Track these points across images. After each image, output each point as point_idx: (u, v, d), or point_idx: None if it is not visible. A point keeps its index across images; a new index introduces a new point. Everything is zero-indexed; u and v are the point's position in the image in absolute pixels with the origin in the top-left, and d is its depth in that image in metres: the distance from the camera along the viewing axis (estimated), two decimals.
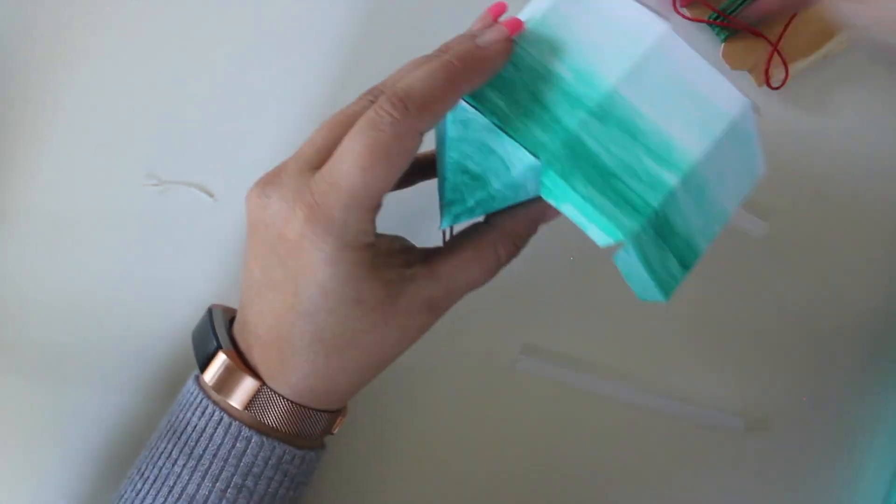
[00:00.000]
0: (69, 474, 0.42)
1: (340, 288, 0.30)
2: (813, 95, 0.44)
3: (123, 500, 0.34)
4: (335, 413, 0.35)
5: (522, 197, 0.32)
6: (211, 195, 0.44)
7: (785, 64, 0.43)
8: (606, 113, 0.29)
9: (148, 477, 0.34)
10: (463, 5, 0.43)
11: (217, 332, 0.34)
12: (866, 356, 0.45)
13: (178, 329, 0.43)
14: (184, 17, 0.45)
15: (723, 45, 0.43)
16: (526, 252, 0.44)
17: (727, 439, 0.44)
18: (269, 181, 0.31)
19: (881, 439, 0.44)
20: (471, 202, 0.32)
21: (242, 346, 0.34)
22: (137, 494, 0.33)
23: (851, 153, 0.44)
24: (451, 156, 0.32)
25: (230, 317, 0.36)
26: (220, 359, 0.33)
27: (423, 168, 0.36)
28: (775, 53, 0.43)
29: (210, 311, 0.36)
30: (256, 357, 0.33)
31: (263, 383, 0.33)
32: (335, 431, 0.36)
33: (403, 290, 0.32)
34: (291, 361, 0.32)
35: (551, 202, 0.30)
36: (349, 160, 0.28)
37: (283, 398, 0.33)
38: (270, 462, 0.33)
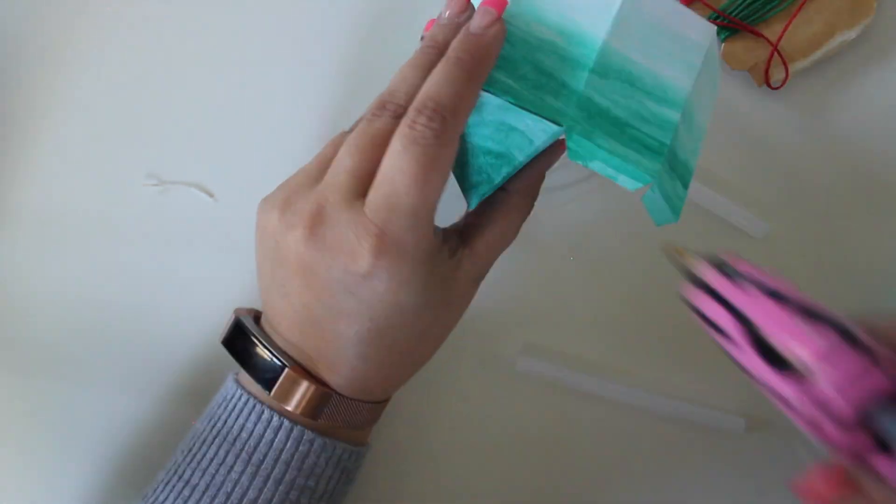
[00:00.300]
0: (69, 474, 0.42)
1: (415, 302, 0.31)
2: (813, 95, 0.44)
3: None
4: (384, 402, 0.36)
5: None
6: (211, 195, 0.44)
7: (785, 64, 0.43)
8: (605, 68, 0.31)
9: (197, 484, 0.33)
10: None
11: (270, 348, 0.33)
12: None
13: (179, 328, 0.43)
14: (184, 18, 0.45)
15: (723, 44, 0.43)
16: (526, 252, 0.44)
17: (727, 439, 0.44)
18: (317, 221, 0.30)
19: None
20: (497, 179, 0.33)
21: (292, 354, 0.33)
22: (185, 502, 0.33)
23: (851, 153, 0.44)
24: (472, 141, 0.33)
25: (253, 316, 0.36)
26: (286, 374, 0.33)
27: None
28: (775, 53, 0.42)
29: (240, 320, 0.35)
30: (322, 370, 0.33)
31: (332, 390, 0.33)
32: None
33: (456, 278, 0.33)
34: (365, 372, 0.33)
35: (579, 162, 0.31)
36: (403, 181, 0.29)
37: (350, 399, 0.33)
38: (331, 461, 0.34)
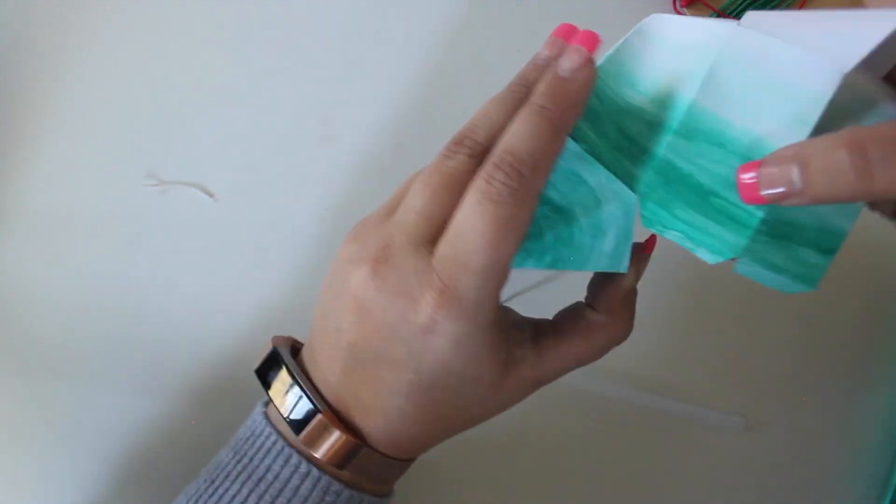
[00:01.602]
0: (69, 475, 0.42)
1: (464, 368, 0.29)
2: None
3: None
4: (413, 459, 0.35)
5: (595, 259, 0.31)
6: (211, 195, 0.44)
7: None
8: (691, 129, 0.28)
9: None
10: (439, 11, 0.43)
11: (307, 390, 0.32)
12: (866, 356, 0.45)
13: (179, 328, 0.43)
14: (184, 18, 0.45)
15: None
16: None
17: (727, 439, 0.44)
18: (380, 260, 0.29)
19: (880, 439, 0.44)
20: (549, 237, 0.30)
21: (327, 393, 0.32)
22: None
23: None
24: None
25: (291, 346, 0.35)
26: (318, 419, 0.32)
27: None
28: None
29: (278, 352, 0.34)
30: (356, 418, 0.32)
31: (362, 441, 0.32)
32: None
33: (514, 371, 0.31)
34: (399, 427, 0.32)
35: (654, 231, 0.29)
36: (475, 239, 0.27)
37: (380, 454, 0.32)
38: None
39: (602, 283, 0.33)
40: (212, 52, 0.44)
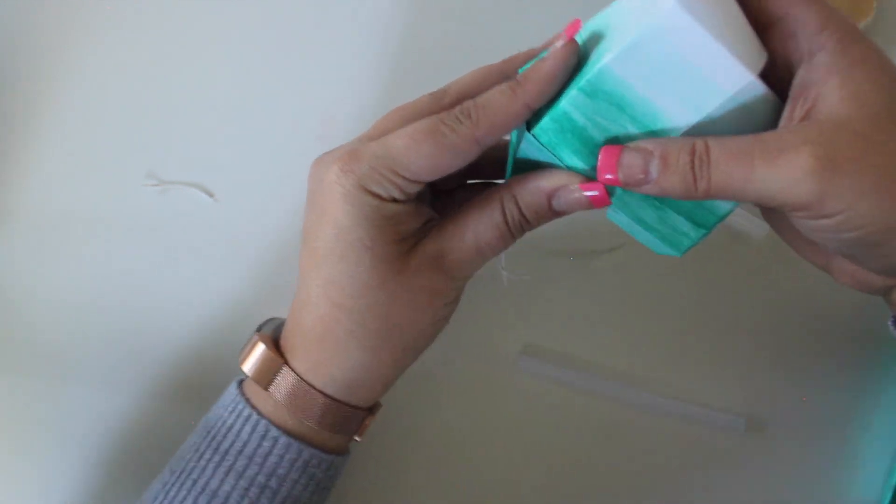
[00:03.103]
0: (67, 473, 0.42)
1: (353, 227, 0.31)
2: None
3: (151, 490, 0.34)
4: (363, 411, 0.35)
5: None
6: (211, 195, 0.44)
7: None
8: (596, 89, 0.30)
9: (175, 469, 0.34)
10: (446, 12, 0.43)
11: (263, 326, 0.36)
12: (866, 356, 0.45)
13: (178, 328, 0.43)
14: (184, 18, 0.45)
15: None
16: (526, 252, 0.44)
17: (727, 439, 0.44)
18: (326, 153, 0.33)
19: (880, 439, 0.44)
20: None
21: (284, 333, 0.35)
22: (164, 486, 0.34)
23: None
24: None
25: (278, 324, 0.37)
26: (259, 347, 0.34)
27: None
28: None
29: (268, 319, 0.37)
30: (292, 338, 0.34)
31: (291, 367, 0.33)
32: (360, 438, 0.36)
33: (414, 248, 0.32)
34: (308, 325, 0.33)
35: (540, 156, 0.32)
36: (403, 131, 0.31)
37: (310, 386, 0.33)
38: (296, 465, 0.33)
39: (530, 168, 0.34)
40: (212, 53, 0.44)
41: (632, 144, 0.30)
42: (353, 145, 0.32)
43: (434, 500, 0.44)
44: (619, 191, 0.31)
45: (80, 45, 0.44)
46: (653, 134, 0.30)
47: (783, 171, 0.27)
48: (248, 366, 0.34)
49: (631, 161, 0.29)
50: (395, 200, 0.31)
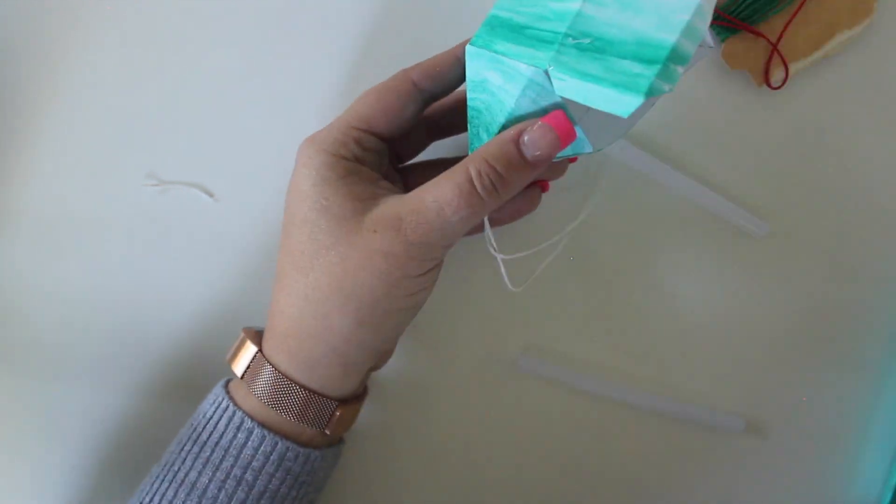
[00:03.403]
0: (64, 472, 0.42)
1: (310, 190, 0.32)
2: (813, 95, 0.44)
3: (144, 484, 0.35)
4: (333, 401, 0.34)
5: (496, 109, 0.34)
6: (211, 195, 0.44)
7: (785, 64, 0.43)
8: None
9: (164, 462, 0.35)
10: (457, 7, 0.43)
11: (244, 329, 0.37)
12: (866, 357, 0.45)
13: (178, 328, 0.43)
14: (184, 18, 0.44)
15: (723, 44, 0.43)
16: (526, 252, 0.44)
17: (727, 439, 0.44)
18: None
19: (880, 439, 0.44)
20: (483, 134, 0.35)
21: (266, 332, 0.35)
22: (153, 479, 0.34)
23: (851, 153, 0.44)
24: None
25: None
26: (240, 336, 0.36)
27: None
28: (775, 53, 0.42)
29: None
30: (267, 322, 0.35)
31: (260, 350, 0.34)
32: (330, 432, 0.35)
33: (371, 207, 0.31)
34: (289, 305, 0.33)
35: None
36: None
37: (277, 370, 0.33)
38: (272, 457, 0.33)
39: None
40: (212, 53, 0.44)
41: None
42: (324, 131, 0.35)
43: (433, 500, 0.44)
44: (554, 52, 0.31)
45: (81, 46, 0.44)
46: None
47: None
48: (230, 355, 0.36)
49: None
50: (353, 157, 0.33)
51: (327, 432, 0.35)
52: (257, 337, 0.36)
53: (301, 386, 0.33)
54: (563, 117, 0.31)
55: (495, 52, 0.32)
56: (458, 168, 0.31)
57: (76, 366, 0.43)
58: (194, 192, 0.44)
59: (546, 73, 0.31)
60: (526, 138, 0.31)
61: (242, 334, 0.36)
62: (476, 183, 0.31)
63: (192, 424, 0.35)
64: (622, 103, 0.30)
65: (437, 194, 0.31)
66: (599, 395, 0.44)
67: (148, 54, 0.44)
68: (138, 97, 0.44)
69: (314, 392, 0.33)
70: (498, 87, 0.33)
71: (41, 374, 0.43)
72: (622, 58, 0.30)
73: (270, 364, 0.33)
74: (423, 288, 0.33)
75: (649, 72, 0.30)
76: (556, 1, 0.32)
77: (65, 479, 0.42)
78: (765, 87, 0.43)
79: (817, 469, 0.44)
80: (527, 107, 0.32)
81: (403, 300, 0.32)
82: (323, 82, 0.44)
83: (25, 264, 0.43)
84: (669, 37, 0.30)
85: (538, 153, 0.31)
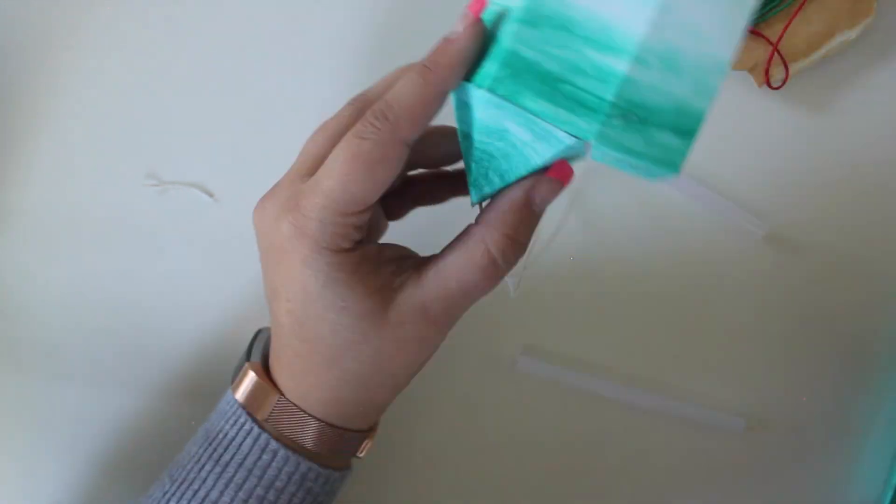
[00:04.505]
0: (68, 473, 0.42)
1: (322, 291, 0.30)
2: (813, 95, 0.44)
3: (152, 497, 0.34)
4: (361, 433, 0.35)
5: (518, 162, 0.31)
6: (211, 195, 0.44)
7: (785, 64, 0.43)
8: (536, 15, 0.28)
9: (176, 479, 0.34)
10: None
11: (253, 348, 0.35)
12: (866, 356, 0.45)
13: (178, 328, 0.43)
14: (184, 18, 0.45)
15: None
16: (526, 252, 0.44)
17: (727, 439, 0.44)
18: (268, 194, 0.32)
19: (879, 439, 0.44)
20: (493, 176, 0.32)
21: (272, 363, 0.34)
22: (164, 495, 0.34)
23: (852, 153, 0.44)
24: (459, 128, 0.33)
25: (267, 338, 0.36)
26: (249, 375, 0.33)
27: (453, 184, 0.37)
28: (775, 53, 0.42)
29: (258, 332, 0.37)
30: (281, 370, 0.33)
31: (285, 397, 0.33)
32: (362, 454, 0.35)
33: (393, 299, 0.31)
34: (299, 369, 0.32)
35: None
36: (332, 167, 0.29)
37: (304, 412, 0.33)
38: (294, 478, 0.33)
39: (494, 197, 0.33)
40: (212, 53, 0.44)
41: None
42: (291, 192, 0.31)
43: (433, 500, 0.44)
44: (600, 126, 0.28)
45: (81, 45, 0.44)
46: (612, 50, 0.27)
47: None
48: (241, 395, 0.33)
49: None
50: (354, 244, 0.30)
51: (360, 456, 0.36)
52: (265, 369, 0.34)
53: (334, 426, 0.33)
54: (566, 164, 0.31)
55: (526, 108, 0.28)
56: (473, 241, 0.31)
57: (75, 365, 0.43)
58: (194, 192, 0.44)
59: (586, 143, 0.28)
60: (538, 198, 0.31)
61: (252, 374, 0.34)
62: (500, 260, 0.31)
63: (212, 443, 0.34)
64: (655, 175, 0.30)
65: (461, 278, 0.31)
66: (599, 395, 0.44)
67: (148, 54, 0.44)
68: (138, 97, 0.44)
69: (346, 429, 0.34)
70: (524, 142, 0.30)
71: (39, 372, 0.43)
72: (662, 128, 0.29)
73: (312, 416, 0.33)
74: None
75: (685, 146, 0.29)
76: (596, 51, 0.27)
77: (67, 480, 0.42)
78: (765, 86, 0.43)
79: (817, 469, 0.44)
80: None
81: (434, 352, 0.33)
82: (323, 82, 0.44)
83: (25, 264, 0.43)
84: (704, 104, 0.28)
85: (546, 204, 0.32)
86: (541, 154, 0.30)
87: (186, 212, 0.44)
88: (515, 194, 0.31)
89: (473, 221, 0.32)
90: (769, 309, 0.44)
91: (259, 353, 0.35)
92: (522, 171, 0.31)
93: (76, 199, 0.44)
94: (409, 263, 0.32)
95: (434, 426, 0.44)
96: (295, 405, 0.33)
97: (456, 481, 0.44)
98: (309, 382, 0.32)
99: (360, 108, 0.32)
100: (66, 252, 0.43)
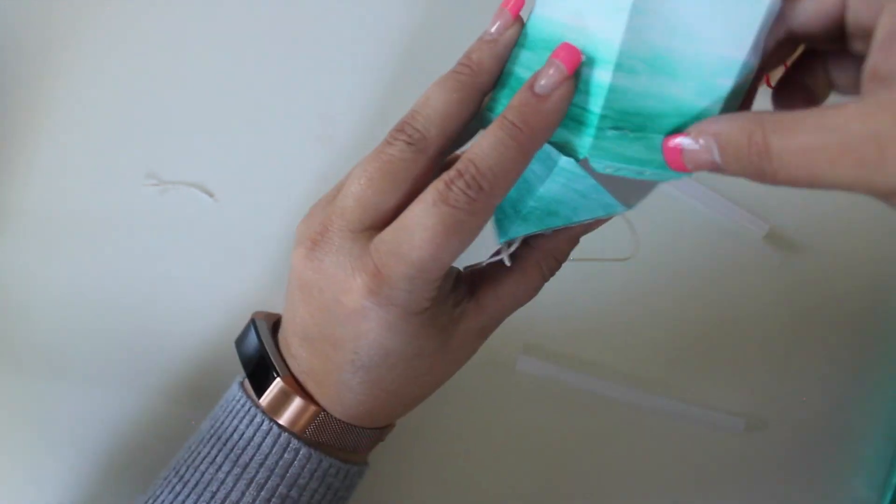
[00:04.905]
0: (67, 474, 0.42)
1: (402, 349, 0.30)
2: None
3: (158, 501, 0.34)
4: (384, 428, 0.35)
5: (523, 188, 0.31)
6: (211, 195, 0.44)
7: (785, 64, 0.43)
8: (532, 39, 0.28)
9: (188, 481, 0.33)
10: (458, 10, 0.43)
11: (271, 355, 0.33)
12: (866, 356, 0.45)
13: (178, 328, 0.43)
14: (184, 18, 0.45)
15: None
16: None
17: (727, 439, 0.44)
18: (318, 241, 0.30)
19: (880, 439, 0.44)
20: (523, 210, 0.31)
21: (293, 367, 0.33)
22: (176, 497, 0.33)
23: None
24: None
25: (272, 322, 0.36)
26: (278, 384, 0.33)
27: None
28: None
29: (254, 323, 0.35)
30: (312, 387, 0.33)
31: (320, 408, 0.33)
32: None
33: (456, 329, 0.32)
34: (352, 401, 0.32)
35: None
36: (420, 234, 0.27)
37: (339, 421, 0.33)
38: (316, 474, 0.33)
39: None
40: (211, 52, 0.44)
41: (690, 130, 0.26)
42: (357, 248, 0.29)
43: (432, 500, 0.44)
44: (592, 139, 0.27)
45: (81, 45, 0.44)
46: (597, 62, 0.26)
47: (848, 172, 0.24)
48: (283, 417, 0.33)
49: (693, 156, 0.27)
50: (433, 300, 0.30)
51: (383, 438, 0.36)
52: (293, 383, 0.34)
53: (349, 424, 0.34)
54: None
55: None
56: (535, 272, 0.33)
57: (75, 365, 0.43)
58: (194, 192, 0.44)
59: (580, 162, 0.27)
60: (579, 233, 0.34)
61: (285, 386, 0.33)
62: (547, 276, 0.34)
63: (224, 442, 0.33)
64: (667, 178, 0.29)
65: (518, 298, 0.33)
66: (599, 395, 0.44)
67: (148, 54, 0.44)
68: (138, 97, 0.44)
69: (370, 429, 0.34)
70: (529, 168, 0.29)
71: (39, 372, 0.43)
72: (664, 133, 0.27)
73: (335, 417, 0.33)
74: None
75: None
76: (586, 65, 0.27)
77: (67, 481, 0.42)
78: (765, 86, 0.43)
79: (817, 469, 0.44)
80: (556, 191, 0.30)
81: None
82: (323, 82, 0.45)
83: (25, 264, 0.43)
84: (713, 106, 0.27)
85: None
86: (539, 176, 0.29)
87: (186, 212, 0.44)
88: (575, 231, 0.33)
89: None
90: (769, 309, 0.44)
91: (280, 361, 0.34)
92: (529, 201, 0.30)
93: (76, 199, 0.44)
94: (463, 290, 0.32)
95: (434, 426, 0.44)
96: (333, 417, 0.33)
97: (456, 481, 0.44)
98: (362, 406, 0.33)
99: (421, 148, 0.29)
100: (66, 252, 0.43)
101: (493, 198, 0.28)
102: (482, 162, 0.27)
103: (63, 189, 0.44)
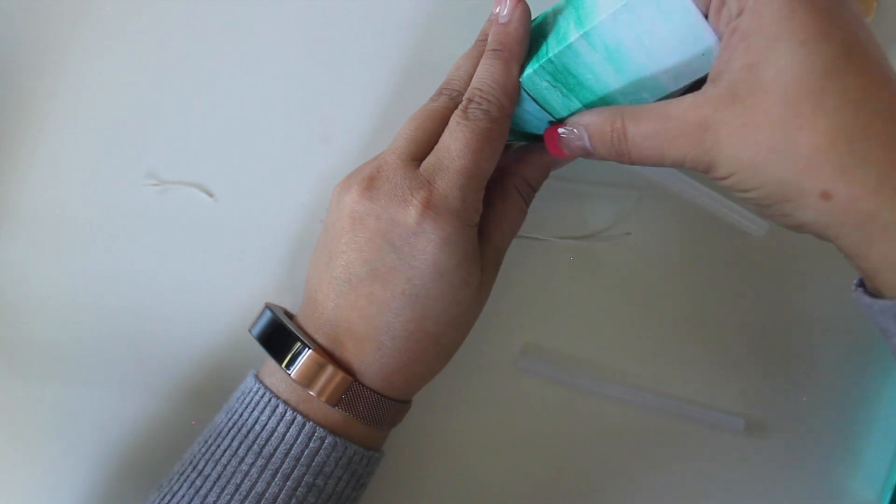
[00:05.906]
0: (70, 475, 0.42)
1: (455, 269, 0.33)
2: None
3: (177, 496, 0.33)
4: (405, 405, 0.36)
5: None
6: (211, 195, 0.44)
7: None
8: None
9: (209, 475, 0.33)
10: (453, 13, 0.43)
11: (295, 330, 0.35)
12: (866, 357, 0.45)
13: (178, 328, 0.43)
14: (184, 18, 0.45)
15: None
16: (526, 252, 0.44)
17: (727, 439, 0.44)
18: (374, 176, 0.33)
19: (880, 439, 0.44)
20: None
21: (321, 340, 0.34)
22: (198, 492, 0.33)
23: None
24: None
25: (284, 313, 0.37)
26: (309, 355, 0.33)
27: None
28: None
29: (271, 309, 0.36)
30: (349, 351, 0.34)
31: (353, 377, 0.34)
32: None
33: (485, 264, 0.35)
34: (390, 355, 0.33)
35: None
36: (456, 146, 0.33)
37: (372, 391, 0.34)
38: (341, 462, 0.34)
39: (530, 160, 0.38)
40: (212, 52, 0.44)
41: (567, 122, 0.34)
42: (409, 174, 0.33)
43: (432, 500, 0.44)
44: (536, 67, 0.34)
45: (80, 46, 0.44)
46: (580, 24, 0.32)
47: (682, 151, 0.30)
48: (316, 388, 0.33)
49: (568, 142, 0.34)
50: (476, 213, 0.34)
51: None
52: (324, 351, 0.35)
53: (381, 394, 0.34)
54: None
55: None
56: (513, 195, 0.37)
57: (74, 366, 0.43)
58: (194, 192, 0.44)
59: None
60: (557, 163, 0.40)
61: (319, 357, 0.34)
62: (526, 199, 0.39)
63: (246, 433, 0.34)
64: (538, 129, 0.36)
65: (512, 223, 0.38)
66: (599, 395, 0.44)
67: (148, 54, 0.44)
68: (138, 97, 0.44)
69: (395, 399, 0.35)
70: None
71: (39, 372, 0.43)
72: (583, 102, 0.34)
73: (366, 386, 0.34)
74: None
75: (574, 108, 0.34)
76: (573, 22, 0.32)
77: (72, 483, 0.42)
78: None
79: (817, 469, 0.44)
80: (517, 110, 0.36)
81: None
82: (324, 82, 0.45)
83: (25, 264, 0.43)
84: (647, 98, 0.33)
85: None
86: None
87: (186, 212, 0.44)
88: (544, 160, 0.38)
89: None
90: (769, 308, 0.44)
91: (292, 323, 0.36)
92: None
93: (76, 198, 0.44)
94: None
95: (434, 426, 0.44)
96: (368, 387, 0.34)
97: (455, 481, 0.44)
98: (396, 362, 0.34)
99: (453, 96, 0.35)
100: (66, 252, 0.43)
101: (502, 107, 0.34)
102: (483, 83, 0.34)
103: (63, 189, 0.44)
